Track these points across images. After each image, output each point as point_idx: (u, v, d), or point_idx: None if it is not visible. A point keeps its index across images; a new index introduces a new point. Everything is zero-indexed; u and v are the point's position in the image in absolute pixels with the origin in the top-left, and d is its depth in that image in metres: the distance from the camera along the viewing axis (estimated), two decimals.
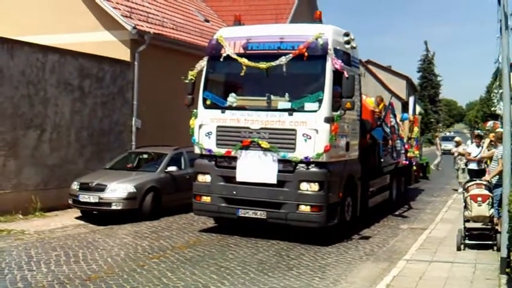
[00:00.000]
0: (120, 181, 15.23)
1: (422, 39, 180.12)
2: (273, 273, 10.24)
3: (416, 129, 23.70)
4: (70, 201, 15.44)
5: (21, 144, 15.41)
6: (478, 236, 12.18)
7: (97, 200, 14.86)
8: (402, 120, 21.02)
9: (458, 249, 11.88)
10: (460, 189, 22.80)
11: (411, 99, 59.44)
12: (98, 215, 15.22)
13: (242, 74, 13.20)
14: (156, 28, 19.91)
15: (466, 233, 12.21)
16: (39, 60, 15.88)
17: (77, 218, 15.39)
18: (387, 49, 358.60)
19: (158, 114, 19.69)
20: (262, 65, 12.97)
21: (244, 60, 13.17)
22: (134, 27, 18.59)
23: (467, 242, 12.11)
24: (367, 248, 12.74)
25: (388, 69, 73.10)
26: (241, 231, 13.58)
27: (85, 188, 15.13)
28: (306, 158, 12.55)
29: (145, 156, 17.77)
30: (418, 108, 79.88)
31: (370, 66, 66.59)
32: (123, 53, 19.00)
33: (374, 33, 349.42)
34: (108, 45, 18.84)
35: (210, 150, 13.49)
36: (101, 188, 14.97)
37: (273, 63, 12.89)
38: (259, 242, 12.82)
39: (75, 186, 15.31)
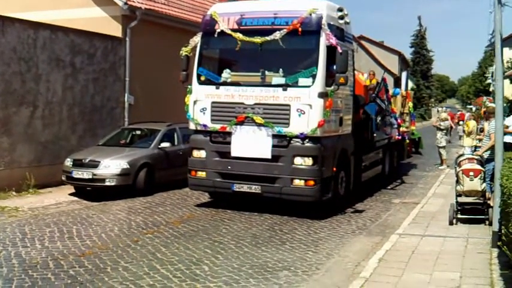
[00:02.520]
0: (114, 157, 15.23)
1: (415, 15, 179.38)
2: (266, 247, 10.31)
3: (410, 104, 23.73)
4: (63, 178, 15.45)
5: (13, 121, 15.36)
6: (470, 211, 12.25)
7: (90, 176, 14.86)
8: (394, 95, 21.00)
9: (451, 223, 11.96)
10: (443, 166, 23.08)
11: (403, 75, 59.20)
12: (92, 191, 15.22)
13: (237, 49, 13.21)
14: (147, 3, 19.73)
15: (458, 208, 12.28)
16: (30, 37, 15.76)
17: (71, 194, 15.40)
18: (380, 25, 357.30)
19: (151, 90, 19.63)
20: (257, 39, 12.97)
21: (238, 35, 13.16)
22: (125, 3, 18.45)
23: (459, 216, 12.20)
24: (359, 222, 12.82)
25: (380, 45, 73.05)
26: (234, 206, 13.65)
27: (78, 164, 15.12)
28: (301, 134, 12.63)
29: (138, 132, 17.75)
30: (411, 84, 79.83)
31: (363, 42, 66.46)
32: (114, 29, 18.88)
33: (367, 9, 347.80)
34: (99, 21, 18.72)
35: (205, 125, 13.52)
36: (94, 165, 14.96)
37: (268, 38, 12.88)
38: (253, 217, 12.89)
39: (68, 162, 15.30)
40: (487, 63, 69.16)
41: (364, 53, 62.72)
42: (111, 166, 14.98)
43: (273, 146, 12.84)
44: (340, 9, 13.71)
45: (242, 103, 13.13)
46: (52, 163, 16.24)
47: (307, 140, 12.73)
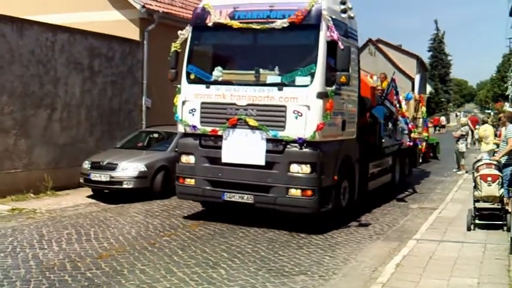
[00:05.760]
0: (131, 160, 15.30)
1: (433, 19, 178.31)
2: (283, 252, 10.30)
3: (423, 108, 22.65)
4: (81, 180, 15.53)
5: (31, 123, 15.46)
6: (488, 216, 12.15)
7: (108, 179, 14.93)
8: (407, 99, 20.04)
9: (468, 229, 11.86)
10: (461, 172, 22.96)
11: (417, 77, 58.19)
12: (109, 194, 15.32)
13: (230, 42, 12.73)
14: (165, 7, 19.85)
15: (476, 213, 12.17)
16: (48, 40, 15.86)
17: (88, 196, 15.47)
18: (398, 28, 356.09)
19: (168, 94, 19.52)
20: (255, 26, 11.97)
21: (234, 22, 12.18)
22: (143, 6, 18.56)
23: (477, 222, 12.08)
24: (377, 228, 12.76)
25: (398, 48, 72.78)
26: (251, 210, 13.54)
27: (96, 166, 15.20)
28: (299, 139, 11.59)
29: (155, 135, 17.80)
30: (429, 88, 79.42)
31: (381, 45, 66.36)
32: (132, 32, 18.98)
33: (385, 12, 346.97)
34: (117, 24, 18.84)
35: (194, 127, 12.55)
36: (112, 167, 15.03)
37: (267, 26, 11.85)
38: (270, 221, 12.70)
39: (86, 165, 15.38)
40: (506, 67, 68.66)
41: (382, 57, 62.58)
42: (128, 169, 15.04)
43: (267, 151, 11.78)
44: (343, 2, 12.52)
45: (234, 104, 12.08)
46: (70, 165, 16.32)
47: (304, 145, 11.65)
